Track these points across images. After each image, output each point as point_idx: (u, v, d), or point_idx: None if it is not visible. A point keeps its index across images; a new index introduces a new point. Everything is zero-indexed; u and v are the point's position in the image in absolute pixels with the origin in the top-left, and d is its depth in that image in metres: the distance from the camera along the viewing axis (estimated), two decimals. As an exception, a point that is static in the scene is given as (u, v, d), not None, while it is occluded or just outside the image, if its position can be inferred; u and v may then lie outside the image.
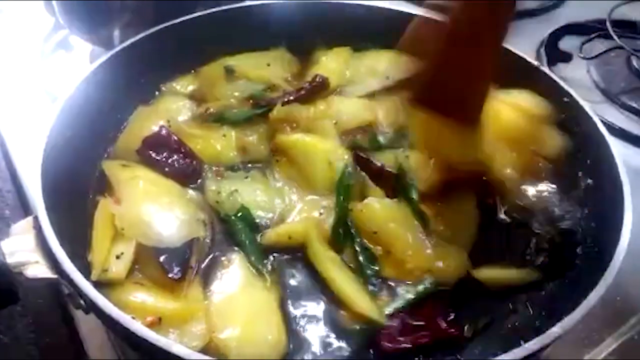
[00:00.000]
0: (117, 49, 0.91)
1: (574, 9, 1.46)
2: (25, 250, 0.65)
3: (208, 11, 1.01)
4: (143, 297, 0.70)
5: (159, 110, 0.96)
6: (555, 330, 0.60)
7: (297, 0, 1.08)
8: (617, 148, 0.81)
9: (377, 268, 0.76)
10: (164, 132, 0.88)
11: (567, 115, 0.90)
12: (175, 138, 0.88)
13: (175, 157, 0.86)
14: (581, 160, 0.88)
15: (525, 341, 0.59)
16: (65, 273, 0.62)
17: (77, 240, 0.73)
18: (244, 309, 0.71)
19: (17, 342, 0.90)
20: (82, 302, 0.64)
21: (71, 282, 0.62)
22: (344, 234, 0.79)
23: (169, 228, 0.76)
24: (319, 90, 0.98)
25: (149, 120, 0.92)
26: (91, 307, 0.63)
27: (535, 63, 0.96)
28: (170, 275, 0.72)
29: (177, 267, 0.73)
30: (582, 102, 0.87)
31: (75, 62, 1.22)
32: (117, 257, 0.73)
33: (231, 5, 1.04)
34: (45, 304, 0.91)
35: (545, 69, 0.95)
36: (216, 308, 0.70)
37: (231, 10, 1.03)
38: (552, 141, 0.91)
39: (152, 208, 0.78)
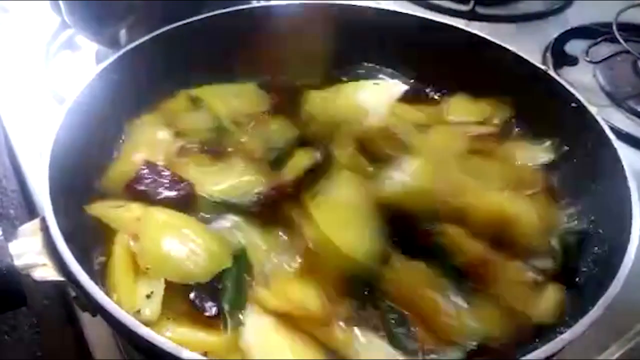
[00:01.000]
0: (126, 49, 0.90)
1: (580, 12, 1.46)
2: (33, 252, 0.64)
3: (222, 11, 1.00)
4: (182, 332, 0.67)
5: (141, 142, 0.89)
6: (565, 337, 0.59)
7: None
8: (624, 153, 0.80)
9: (411, 330, 0.70)
10: (146, 164, 0.83)
11: (573, 120, 0.90)
12: (160, 166, 0.83)
13: (165, 185, 0.81)
14: (587, 166, 0.87)
15: (534, 348, 0.59)
16: (72, 275, 0.62)
17: (85, 242, 0.73)
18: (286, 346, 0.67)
19: (22, 342, 0.91)
20: (89, 304, 0.64)
21: (79, 284, 0.61)
22: (366, 300, 0.72)
23: (198, 262, 0.71)
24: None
25: (132, 155, 0.87)
26: (98, 310, 0.63)
27: (543, 67, 0.95)
28: (206, 314, 0.69)
29: (210, 303, 0.70)
30: (590, 108, 0.87)
31: (81, 62, 1.22)
32: (148, 297, 0.68)
33: (246, 6, 1.04)
34: (50, 304, 0.91)
35: (553, 73, 0.95)
36: (255, 347, 0.66)
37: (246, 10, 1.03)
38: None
39: (175, 242, 0.72)
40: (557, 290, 0.75)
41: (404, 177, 0.80)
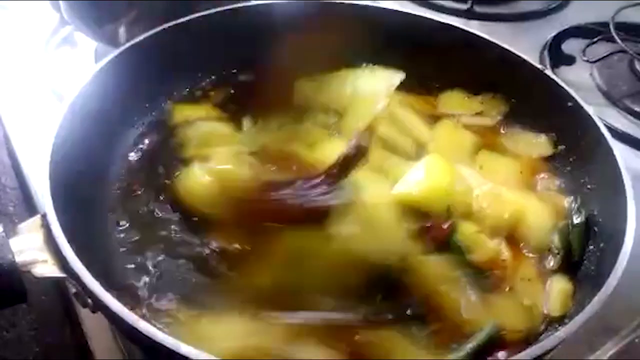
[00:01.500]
0: (125, 46, 0.90)
1: (578, 12, 1.46)
2: (34, 248, 0.65)
3: (221, 8, 1.00)
4: None
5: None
6: (559, 334, 0.60)
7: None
8: (620, 152, 0.80)
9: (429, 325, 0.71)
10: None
11: (570, 119, 0.91)
12: None
13: None
14: (584, 165, 0.88)
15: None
16: (73, 272, 0.62)
17: (85, 238, 0.73)
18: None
19: (20, 339, 0.91)
20: (89, 300, 0.65)
21: (79, 280, 0.62)
22: (384, 298, 0.72)
23: None
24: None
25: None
26: (98, 306, 0.63)
27: (540, 66, 0.96)
28: None
29: None
30: (586, 107, 0.88)
31: (80, 59, 1.22)
32: None
33: (245, 4, 1.04)
34: (49, 301, 0.91)
35: (550, 73, 0.95)
36: None
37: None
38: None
39: None
40: (564, 285, 0.77)
41: (419, 176, 0.81)
